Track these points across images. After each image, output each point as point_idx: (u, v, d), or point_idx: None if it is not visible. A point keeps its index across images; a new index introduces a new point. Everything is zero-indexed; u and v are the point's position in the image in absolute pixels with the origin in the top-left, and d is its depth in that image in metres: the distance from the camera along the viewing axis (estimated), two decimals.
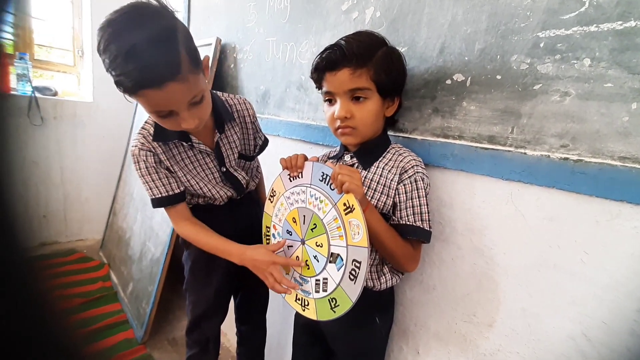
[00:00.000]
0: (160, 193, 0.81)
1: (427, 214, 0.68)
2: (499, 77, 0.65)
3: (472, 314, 0.71)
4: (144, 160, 0.79)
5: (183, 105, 0.67)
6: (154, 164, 0.80)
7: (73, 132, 2.36)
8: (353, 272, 0.66)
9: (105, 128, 2.48)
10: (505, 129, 0.64)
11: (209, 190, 0.87)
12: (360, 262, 0.64)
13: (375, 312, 0.76)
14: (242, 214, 0.94)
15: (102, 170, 2.50)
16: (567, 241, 0.58)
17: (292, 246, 0.78)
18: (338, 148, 0.85)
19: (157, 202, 0.82)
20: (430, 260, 0.78)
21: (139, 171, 0.80)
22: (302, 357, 0.90)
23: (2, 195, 0.19)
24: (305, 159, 0.74)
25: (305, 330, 0.87)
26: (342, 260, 0.67)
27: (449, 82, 0.72)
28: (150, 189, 0.81)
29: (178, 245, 1.61)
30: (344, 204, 0.66)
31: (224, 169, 0.88)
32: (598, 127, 0.54)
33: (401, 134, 0.81)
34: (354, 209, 0.64)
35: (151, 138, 0.79)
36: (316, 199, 0.71)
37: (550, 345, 0.60)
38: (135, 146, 0.79)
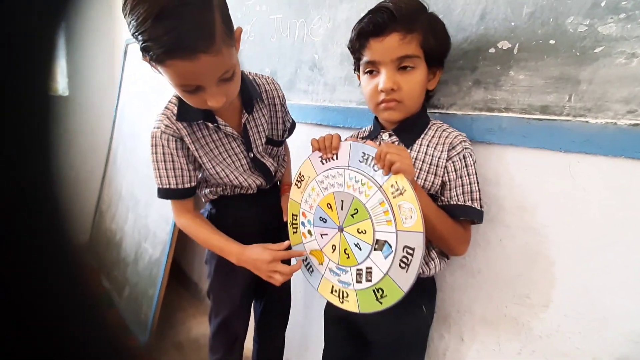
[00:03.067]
0: (169, 184, 0.74)
1: (477, 192, 0.64)
2: (552, 41, 0.60)
3: (525, 295, 0.68)
4: (162, 145, 0.71)
5: (213, 81, 0.61)
6: (174, 151, 0.72)
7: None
8: (404, 260, 0.60)
9: (83, 123, 2.30)
10: (562, 98, 0.60)
11: (236, 178, 0.79)
12: (413, 249, 0.59)
13: (422, 300, 0.72)
14: (270, 204, 0.87)
15: (82, 168, 2.33)
16: (635, 214, 0.55)
17: (326, 234, 0.72)
18: (368, 128, 0.79)
19: (163, 193, 0.76)
20: (475, 242, 0.74)
21: (153, 155, 0.72)
22: (337, 352, 0.85)
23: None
24: (340, 139, 0.68)
25: (340, 324, 0.82)
26: (391, 247, 0.62)
27: (492, 50, 0.67)
28: (160, 177, 0.74)
29: (179, 244, 1.52)
30: (392, 186, 0.60)
31: (252, 155, 0.81)
32: None
33: (437, 110, 0.76)
34: (405, 190, 0.59)
35: (175, 118, 0.71)
36: (357, 181, 0.65)
37: (617, 322, 0.58)
38: (158, 128, 0.71)
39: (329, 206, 0.71)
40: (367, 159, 0.63)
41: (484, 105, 0.69)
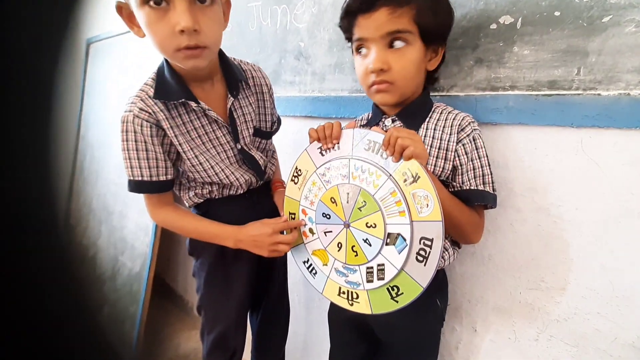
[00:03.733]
0: (142, 176, 0.67)
1: (490, 176, 0.61)
2: (557, 13, 0.58)
3: (540, 279, 0.65)
4: (134, 131, 0.64)
5: None
6: (148, 138, 0.65)
7: None
8: (422, 252, 0.56)
9: (42, 133, 2.11)
10: (570, 71, 0.57)
11: (222, 170, 0.72)
12: (431, 240, 0.55)
13: (436, 293, 0.68)
14: (263, 205, 0.80)
15: (45, 182, 2.14)
16: None
17: (331, 231, 0.67)
18: (366, 115, 0.74)
19: (135, 186, 0.68)
20: (484, 228, 0.70)
21: (124, 143, 0.65)
22: (346, 357, 0.80)
23: None
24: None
25: (349, 327, 0.76)
26: (405, 240, 0.57)
27: (494, 26, 0.64)
28: (131, 167, 0.66)
29: (160, 255, 1.41)
30: (404, 174, 0.56)
31: (239, 147, 0.74)
32: None
33: (437, 93, 0.72)
34: (419, 177, 0.54)
35: (151, 100, 0.64)
36: (363, 171, 0.60)
37: (639, 299, 0.56)
38: (130, 111, 0.63)
39: (333, 200, 0.65)
40: (373, 147, 0.59)
41: (487, 84, 0.66)
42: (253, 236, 0.69)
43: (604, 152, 0.57)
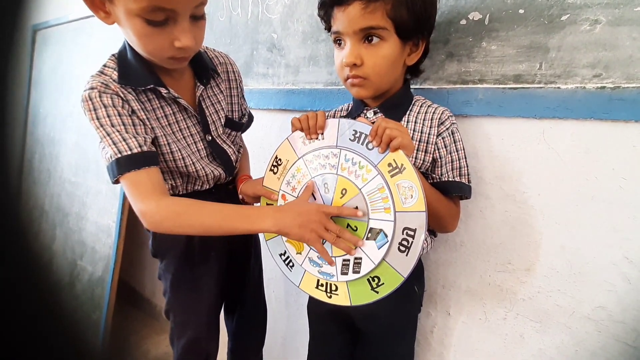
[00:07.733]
0: (130, 148, 0.56)
1: (466, 168, 0.64)
2: (521, 11, 0.61)
3: (507, 262, 0.70)
4: (105, 106, 0.57)
5: (188, 9, 0.54)
6: (121, 109, 0.59)
7: None
8: (404, 243, 0.57)
9: None
10: (533, 66, 0.61)
11: (193, 163, 0.68)
12: (414, 230, 0.56)
13: (414, 281, 0.70)
14: (233, 201, 0.77)
15: None
16: (604, 171, 0.59)
17: None
18: (345, 107, 0.74)
19: (126, 162, 0.56)
20: None
21: (96, 121, 0.57)
22: (325, 348, 0.80)
23: None
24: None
25: (329, 319, 0.77)
26: (386, 237, 0.58)
27: (463, 22, 0.67)
28: (114, 143, 0.56)
29: (124, 258, 1.33)
30: (390, 164, 0.56)
31: (210, 138, 0.71)
32: (631, 53, 0.54)
33: (411, 86, 0.74)
34: (405, 168, 0.55)
35: (116, 84, 0.59)
36: (354, 163, 0.60)
37: (593, 275, 0.61)
38: (94, 88, 0.57)
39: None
40: (359, 137, 0.59)
41: (458, 78, 0.69)
42: (300, 212, 0.57)
43: (562, 141, 0.61)
